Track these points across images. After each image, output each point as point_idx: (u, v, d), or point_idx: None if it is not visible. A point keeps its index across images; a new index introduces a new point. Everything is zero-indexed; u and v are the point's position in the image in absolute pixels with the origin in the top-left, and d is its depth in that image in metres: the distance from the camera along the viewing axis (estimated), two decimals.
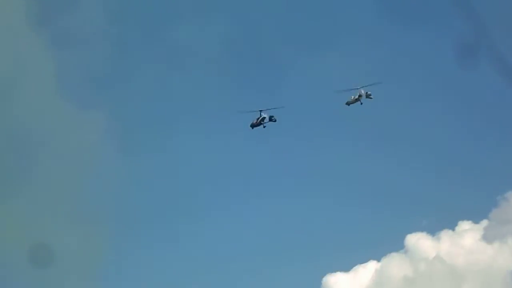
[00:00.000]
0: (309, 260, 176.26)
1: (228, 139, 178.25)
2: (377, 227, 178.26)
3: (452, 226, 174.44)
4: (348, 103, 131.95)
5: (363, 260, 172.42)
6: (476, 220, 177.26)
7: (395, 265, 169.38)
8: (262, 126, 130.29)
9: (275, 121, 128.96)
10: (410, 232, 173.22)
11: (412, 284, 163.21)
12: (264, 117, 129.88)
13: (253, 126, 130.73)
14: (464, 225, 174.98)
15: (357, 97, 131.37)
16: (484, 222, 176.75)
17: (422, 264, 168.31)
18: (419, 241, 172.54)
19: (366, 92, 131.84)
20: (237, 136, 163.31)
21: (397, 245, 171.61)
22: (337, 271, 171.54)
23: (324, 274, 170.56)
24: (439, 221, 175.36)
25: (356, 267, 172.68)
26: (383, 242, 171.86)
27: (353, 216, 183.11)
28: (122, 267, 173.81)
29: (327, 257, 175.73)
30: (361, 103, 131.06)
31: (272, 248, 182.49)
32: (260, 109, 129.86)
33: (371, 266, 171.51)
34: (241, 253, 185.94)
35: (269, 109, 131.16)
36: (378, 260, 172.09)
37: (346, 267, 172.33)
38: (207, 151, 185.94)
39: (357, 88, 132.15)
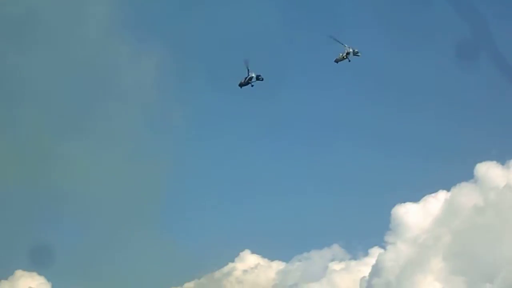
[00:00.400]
0: (379, 191, 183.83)
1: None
2: (447, 157, 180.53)
3: None
4: (336, 61, 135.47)
5: (433, 190, 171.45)
6: None
7: (465, 194, 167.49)
8: (250, 85, 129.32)
9: (262, 79, 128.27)
10: (480, 161, 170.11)
11: (482, 213, 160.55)
12: (252, 76, 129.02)
13: (241, 85, 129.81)
14: None
15: (345, 55, 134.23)
16: None
17: (492, 193, 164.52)
18: (489, 170, 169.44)
19: (354, 50, 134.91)
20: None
21: (467, 175, 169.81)
22: (407, 201, 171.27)
23: (393, 205, 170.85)
24: (509, 150, 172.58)
25: (425, 197, 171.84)
26: (453, 172, 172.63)
27: (422, 146, 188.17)
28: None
29: (396, 188, 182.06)
30: (349, 61, 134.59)
31: (345, 180, 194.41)
32: (248, 68, 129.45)
33: (441, 196, 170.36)
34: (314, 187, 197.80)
35: None
36: (448, 190, 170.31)
37: (415, 198, 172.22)
38: None
39: (345, 46, 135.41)
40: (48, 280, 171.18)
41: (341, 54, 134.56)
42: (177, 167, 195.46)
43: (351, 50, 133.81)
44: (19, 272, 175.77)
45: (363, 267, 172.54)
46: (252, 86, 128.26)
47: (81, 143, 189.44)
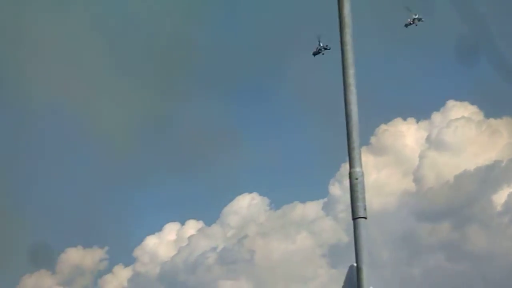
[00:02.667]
0: None
1: None
2: None
3: None
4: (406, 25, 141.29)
5: None
6: None
7: None
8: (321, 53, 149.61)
9: (329, 49, 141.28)
10: None
11: None
12: (322, 47, 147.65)
13: (314, 54, 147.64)
14: None
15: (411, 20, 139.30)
16: None
17: None
18: None
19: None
20: None
21: None
22: None
23: None
24: None
25: None
26: None
27: None
28: None
29: None
30: (416, 25, 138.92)
31: None
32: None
33: None
34: None
35: None
36: None
37: None
38: None
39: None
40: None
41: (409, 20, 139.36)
42: None
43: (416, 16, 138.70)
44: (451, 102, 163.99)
45: None
46: (323, 54, 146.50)
47: None
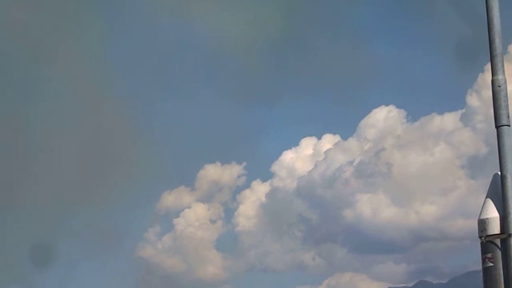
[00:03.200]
0: None
1: None
2: None
3: None
4: None
5: None
6: None
7: None
8: None
9: None
10: None
11: None
12: None
13: None
14: None
15: None
16: None
17: None
18: None
19: None
20: None
21: None
22: None
23: None
24: None
25: None
26: None
27: None
28: None
29: None
30: None
31: None
32: None
33: None
34: None
35: None
36: None
37: None
38: None
39: None
40: None
41: None
42: None
43: None
44: None
45: None
46: None
47: None
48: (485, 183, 12.26)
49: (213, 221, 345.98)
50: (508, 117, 11.46)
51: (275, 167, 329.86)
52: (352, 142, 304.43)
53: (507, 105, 11.52)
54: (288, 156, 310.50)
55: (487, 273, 11.15)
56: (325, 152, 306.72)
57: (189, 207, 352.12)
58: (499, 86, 11.48)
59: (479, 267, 11.30)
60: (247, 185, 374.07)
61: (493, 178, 11.46)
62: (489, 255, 11.14)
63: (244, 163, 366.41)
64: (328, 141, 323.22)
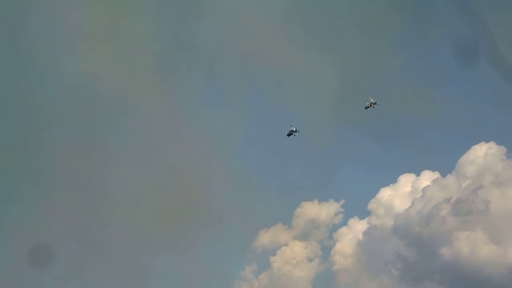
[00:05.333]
0: None
1: None
2: None
3: None
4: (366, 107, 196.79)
5: None
6: None
7: None
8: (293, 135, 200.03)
9: (298, 131, 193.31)
10: None
11: None
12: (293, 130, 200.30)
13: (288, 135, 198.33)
14: None
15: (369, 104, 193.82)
16: None
17: None
18: None
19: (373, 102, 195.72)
20: None
21: None
22: None
23: None
24: None
25: None
26: None
27: None
28: None
29: None
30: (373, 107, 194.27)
31: None
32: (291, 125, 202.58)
33: None
34: None
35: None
36: None
37: None
38: None
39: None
40: None
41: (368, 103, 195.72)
42: None
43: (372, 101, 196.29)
44: None
45: None
46: (294, 135, 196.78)
47: None
48: None
49: (310, 259, 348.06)
50: None
51: (372, 205, 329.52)
52: (450, 179, 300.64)
53: None
54: (386, 193, 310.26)
55: None
56: (423, 189, 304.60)
57: (286, 245, 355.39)
58: None
59: None
60: (344, 223, 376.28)
61: None
62: None
63: (342, 201, 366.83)
64: (427, 177, 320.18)
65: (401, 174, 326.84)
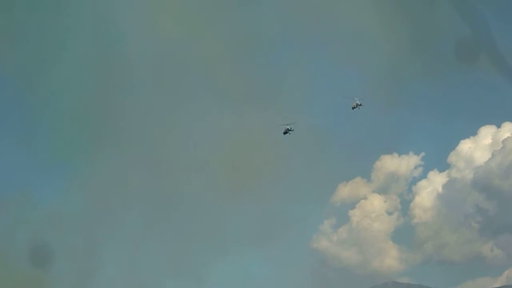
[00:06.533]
0: None
1: None
2: None
3: None
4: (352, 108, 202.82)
5: None
6: None
7: None
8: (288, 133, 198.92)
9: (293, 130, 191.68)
10: None
11: None
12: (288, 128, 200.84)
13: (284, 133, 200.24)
14: None
15: (355, 105, 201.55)
16: None
17: None
18: None
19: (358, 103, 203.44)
20: None
21: None
22: None
23: None
24: None
25: None
26: None
27: None
28: None
29: None
30: (359, 108, 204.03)
31: None
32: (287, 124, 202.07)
33: None
34: None
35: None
36: None
37: None
38: None
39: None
40: None
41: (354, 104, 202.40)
42: None
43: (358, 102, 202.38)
44: None
45: None
46: (290, 134, 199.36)
47: None
48: None
49: (389, 213, 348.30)
50: None
51: (452, 157, 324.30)
52: None
53: None
54: (466, 145, 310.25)
55: None
56: (503, 142, 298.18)
57: (365, 198, 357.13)
58: None
59: None
60: (423, 176, 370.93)
61: None
62: None
63: (422, 153, 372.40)
64: (508, 129, 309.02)
65: (481, 126, 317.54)
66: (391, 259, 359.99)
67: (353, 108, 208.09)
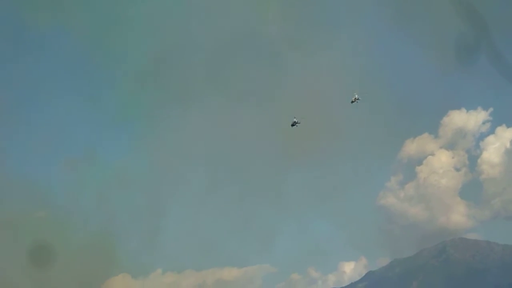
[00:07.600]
0: None
1: None
2: None
3: None
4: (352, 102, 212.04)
5: None
6: None
7: None
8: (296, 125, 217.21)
9: (299, 123, 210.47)
10: None
11: None
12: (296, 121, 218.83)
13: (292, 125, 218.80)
14: None
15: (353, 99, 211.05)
16: None
17: None
18: None
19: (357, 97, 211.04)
20: None
21: None
22: None
23: None
24: None
25: None
26: None
27: None
28: None
29: None
30: (358, 102, 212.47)
31: None
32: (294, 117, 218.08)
33: None
34: None
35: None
36: None
37: None
38: None
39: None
40: None
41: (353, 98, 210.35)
42: None
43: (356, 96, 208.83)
44: None
45: None
46: (297, 126, 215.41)
47: None
48: None
49: (457, 169, 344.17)
50: None
51: None
52: None
53: None
54: None
55: None
56: None
57: (432, 154, 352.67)
58: None
59: None
60: (491, 131, 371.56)
61: None
62: None
63: (491, 109, 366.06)
64: None
65: None
66: (458, 215, 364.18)
67: (352, 102, 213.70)
